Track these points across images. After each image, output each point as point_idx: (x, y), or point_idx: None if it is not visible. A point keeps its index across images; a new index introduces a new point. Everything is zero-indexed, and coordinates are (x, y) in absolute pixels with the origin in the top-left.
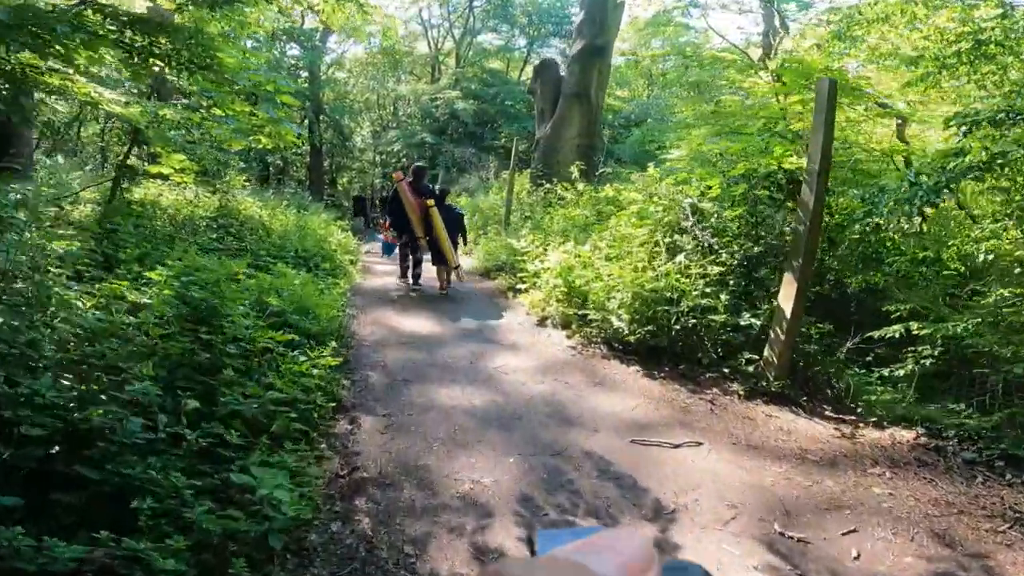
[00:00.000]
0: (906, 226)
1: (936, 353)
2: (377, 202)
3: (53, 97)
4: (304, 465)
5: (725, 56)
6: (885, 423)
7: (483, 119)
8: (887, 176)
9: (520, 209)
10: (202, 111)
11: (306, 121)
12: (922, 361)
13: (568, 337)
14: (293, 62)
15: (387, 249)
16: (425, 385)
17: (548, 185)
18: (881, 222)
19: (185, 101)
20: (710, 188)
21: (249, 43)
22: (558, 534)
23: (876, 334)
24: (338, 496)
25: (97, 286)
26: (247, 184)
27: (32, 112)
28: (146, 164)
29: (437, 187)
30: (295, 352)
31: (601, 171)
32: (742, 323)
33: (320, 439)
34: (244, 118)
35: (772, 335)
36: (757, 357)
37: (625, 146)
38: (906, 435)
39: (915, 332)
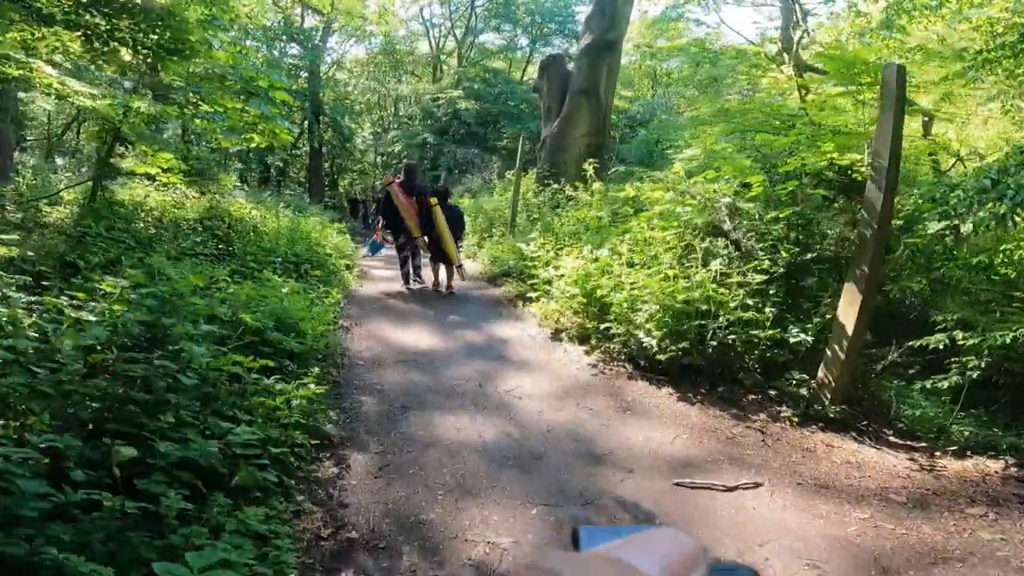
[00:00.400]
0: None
1: (983, 365)
2: (372, 204)
3: (38, 95)
4: (275, 526)
5: (749, 49)
6: (967, 451)
7: (485, 119)
8: (918, 176)
9: (526, 210)
10: (189, 107)
11: (305, 122)
12: (968, 373)
13: (587, 353)
14: (293, 61)
15: (373, 248)
16: (427, 413)
17: (556, 185)
18: (963, 225)
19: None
20: (747, 187)
21: (250, 42)
22: (602, 531)
23: (919, 343)
24: (319, 567)
25: (43, 298)
26: (244, 185)
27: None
28: (128, 162)
29: (437, 186)
30: (273, 379)
31: (613, 170)
32: (791, 339)
33: (299, 488)
34: (235, 115)
35: (829, 353)
36: (808, 377)
37: (631, 146)
38: (993, 465)
39: (961, 342)
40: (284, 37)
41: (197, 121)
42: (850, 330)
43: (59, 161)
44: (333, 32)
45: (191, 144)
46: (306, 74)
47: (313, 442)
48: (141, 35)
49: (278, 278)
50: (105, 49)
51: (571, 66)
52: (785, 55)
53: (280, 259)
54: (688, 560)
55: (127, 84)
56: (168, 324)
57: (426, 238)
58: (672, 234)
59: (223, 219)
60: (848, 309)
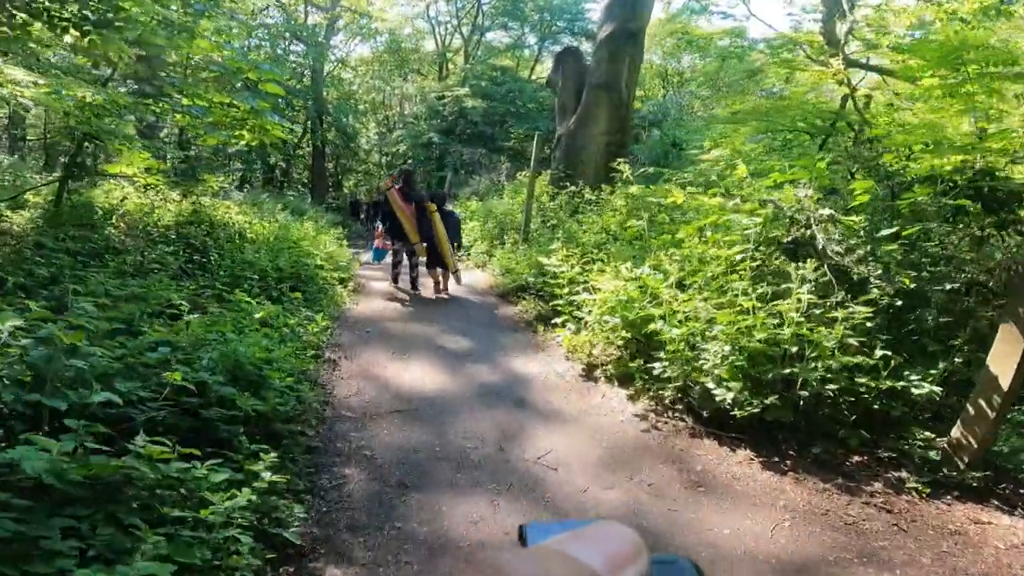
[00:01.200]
0: None
1: None
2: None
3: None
4: None
5: (799, 36)
6: None
7: (492, 118)
8: None
9: (541, 215)
10: (162, 100)
11: (308, 122)
12: None
13: (631, 399)
14: (297, 59)
15: (377, 255)
16: (432, 496)
17: (573, 188)
18: None
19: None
20: (832, 193)
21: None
22: (549, 527)
23: None
24: None
25: None
26: (246, 186)
27: None
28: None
29: (436, 192)
30: (208, 467)
31: (641, 170)
32: (914, 389)
33: None
34: (218, 109)
35: (971, 408)
36: (934, 436)
37: (645, 147)
38: None
39: None
40: (287, 35)
41: (179, 116)
42: (1005, 382)
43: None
44: (337, 31)
45: (189, 143)
46: (309, 72)
47: (268, 556)
48: (53, 4)
49: (253, 300)
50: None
51: (589, 60)
52: (828, 48)
53: (259, 275)
54: (629, 553)
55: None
56: (31, 399)
57: (424, 244)
58: (738, 251)
59: (204, 225)
60: (1005, 356)
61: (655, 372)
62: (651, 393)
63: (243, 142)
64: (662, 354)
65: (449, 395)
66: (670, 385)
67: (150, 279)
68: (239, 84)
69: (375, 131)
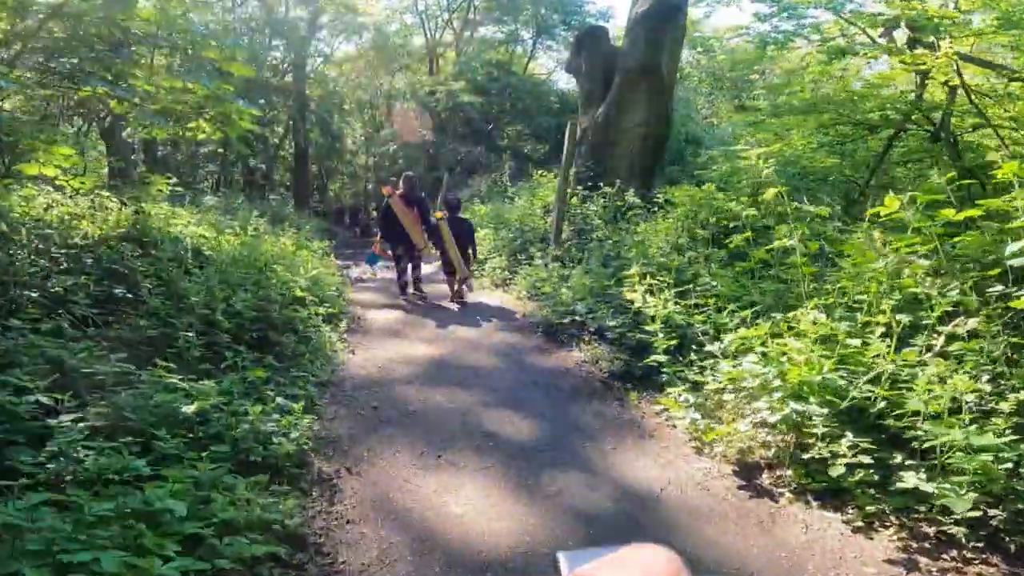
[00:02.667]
0: None
1: None
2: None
3: None
4: None
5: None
6: None
7: (489, 115)
8: None
9: (568, 221)
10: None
11: (290, 122)
12: None
13: (858, 529)
14: (277, 54)
15: (371, 260)
16: None
17: (608, 188)
18: None
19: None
20: None
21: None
22: (581, 554)
23: None
24: None
25: None
26: (220, 190)
27: None
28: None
29: (448, 198)
30: None
31: (704, 168)
32: None
33: None
34: (165, 93)
35: None
36: None
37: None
38: None
39: None
40: (267, 30)
41: (114, 104)
42: None
43: None
44: (321, 27)
45: (155, 144)
46: (291, 68)
47: None
48: None
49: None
50: None
51: (616, 42)
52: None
53: (204, 324)
54: (668, 573)
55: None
56: None
57: (431, 244)
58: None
59: (140, 242)
60: None
61: (904, 484)
62: (903, 520)
63: (202, 135)
64: (914, 460)
65: (540, 549)
66: (953, 513)
67: (28, 339)
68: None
69: (361, 132)
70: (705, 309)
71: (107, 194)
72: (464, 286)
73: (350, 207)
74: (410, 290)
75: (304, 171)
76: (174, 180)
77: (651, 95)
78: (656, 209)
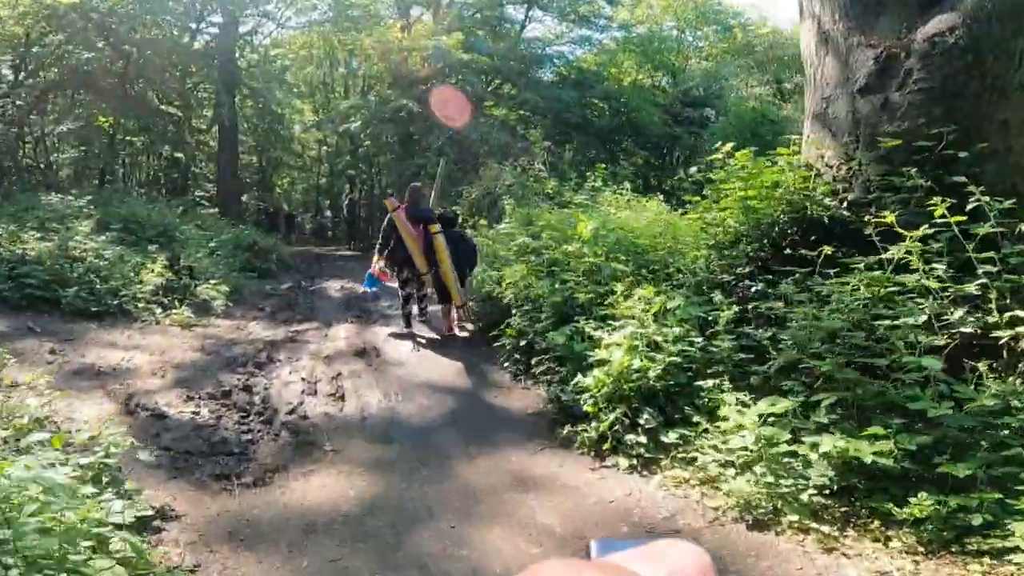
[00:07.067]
0: None
1: None
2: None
3: None
4: None
5: None
6: None
7: (490, 83)
8: None
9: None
10: None
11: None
12: None
13: None
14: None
15: (370, 283)
16: None
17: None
18: None
19: None
20: None
21: None
22: (613, 543)
23: None
24: None
25: None
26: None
27: None
28: None
29: (443, 211)
30: None
31: None
32: None
33: None
34: None
35: None
36: None
37: (716, 129)
38: None
39: None
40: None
41: None
42: None
43: None
44: None
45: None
46: (215, 29)
47: None
48: None
49: None
50: None
51: None
52: None
53: None
54: (698, 573)
55: None
56: None
57: (431, 276)
58: None
59: None
60: None
61: None
62: None
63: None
64: None
65: None
66: None
67: None
68: None
69: (312, 119)
70: None
71: None
72: (462, 311)
73: (277, 213)
74: (415, 323)
75: (233, 160)
76: None
77: None
78: None
